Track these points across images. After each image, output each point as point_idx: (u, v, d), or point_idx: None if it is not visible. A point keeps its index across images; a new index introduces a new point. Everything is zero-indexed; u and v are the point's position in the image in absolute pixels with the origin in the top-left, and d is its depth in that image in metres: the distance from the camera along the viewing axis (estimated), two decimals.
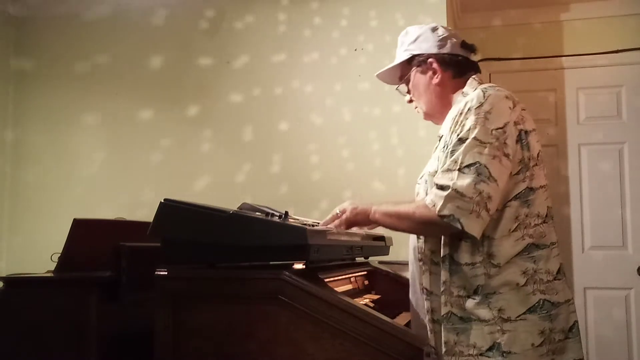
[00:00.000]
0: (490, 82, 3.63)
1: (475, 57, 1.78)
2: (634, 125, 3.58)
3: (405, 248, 1.91)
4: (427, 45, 1.74)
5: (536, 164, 1.55)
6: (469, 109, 1.53)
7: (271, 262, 1.63)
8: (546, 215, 1.55)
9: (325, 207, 2.96)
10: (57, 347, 1.78)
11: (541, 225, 1.53)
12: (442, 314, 1.55)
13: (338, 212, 1.70)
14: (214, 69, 3.32)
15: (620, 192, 3.56)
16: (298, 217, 1.91)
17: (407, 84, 1.80)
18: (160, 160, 3.32)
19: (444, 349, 1.54)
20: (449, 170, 1.49)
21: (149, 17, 3.42)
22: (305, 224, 1.60)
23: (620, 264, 3.51)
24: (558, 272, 1.54)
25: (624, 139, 3.59)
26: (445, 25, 2.99)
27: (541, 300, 1.49)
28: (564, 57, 3.69)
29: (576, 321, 1.55)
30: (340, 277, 1.93)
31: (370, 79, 3.00)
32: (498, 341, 1.47)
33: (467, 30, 3.75)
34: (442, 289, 1.56)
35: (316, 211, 2.92)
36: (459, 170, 1.47)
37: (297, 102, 3.19)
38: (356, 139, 3.10)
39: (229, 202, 1.91)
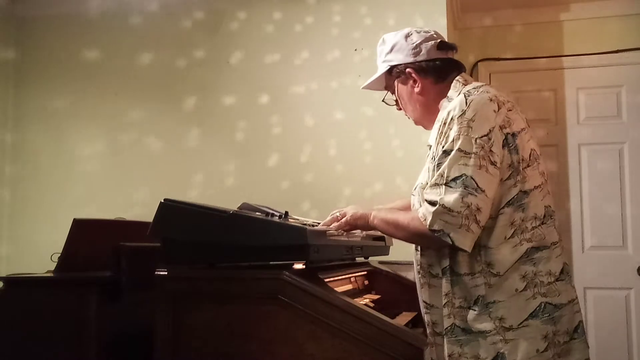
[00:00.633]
0: (490, 82, 3.68)
1: (455, 53, 1.73)
2: (634, 125, 3.58)
3: (405, 248, 1.91)
4: (403, 55, 1.69)
5: (528, 166, 1.51)
6: (451, 119, 1.50)
7: (271, 262, 1.63)
8: (544, 216, 1.52)
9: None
10: (57, 347, 1.78)
11: (540, 227, 1.51)
12: (446, 326, 1.53)
13: (338, 215, 1.71)
14: (212, 67, 3.32)
15: (620, 192, 3.56)
16: (298, 217, 1.91)
17: (393, 94, 1.78)
18: (161, 160, 3.32)
19: None
20: (436, 184, 1.47)
21: (150, 17, 3.42)
22: (305, 224, 1.61)
23: (620, 264, 3.51)
24: (561, 272, 1.51)
25: (624, 139, 3.59)
26: (445, 25, 3.03)
27: (542, 304, 1.47)
28: (564, 57, 3.69)
29: (581, 321, 1.53)
30: (340, 277, 1.93)
31: None
32: (501, 351, 1.46)
33: (467, 31, 3.76)
34: (444, 301, 1.54)
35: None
36: (446, 184, 1.45)
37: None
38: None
39: (232, 201, 1.91)
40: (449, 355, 1.52)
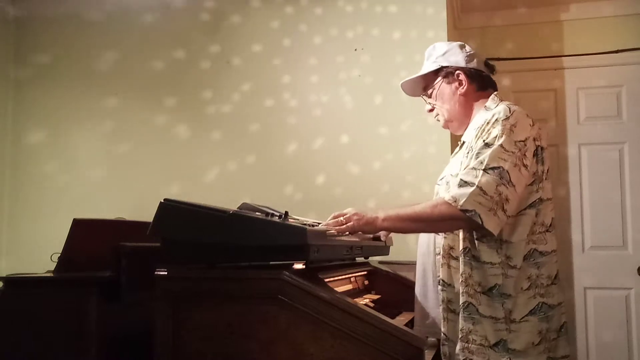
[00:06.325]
0: None
1: (494, 76, 1.94)
2: (634, 125, 3.58)
3: (405, 248, 1.92)
4: (456, 59, 1.89)
5: (546, 178, 1.70)
6: (496, 120, 1.68)
7: (271, 262, 1.63)
8: (550, 225, 1.70)
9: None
10: (57, 347, 1.78)
11: (544, 233, 1.68)
12: (461, 302, 1.67)
13: (342, 219, 1.71)
14: (213, 66, 3.32)
15: (620, 192, 3.56)
16: (298, 217, 1.91)
17: (431, 93, 1.94)
18: (161, 160, 3.32)
19: (460, 335, 1.66)
20: (474, 168, 1.61)
21: (149, 17, 3.42)
22: (305, 224, 1.60)
23: (620, 264, 3.51)
24: (555, 277, 1.69)
25: (624, 139, 3.59)
26: (445, 25, 3.03)
27: (540, 303, 1.64)
28: (564, 57, 3.69)
29: (565, 322, 1.70)
30: (340, 277, 1.93)
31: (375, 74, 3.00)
32: (505, 338, 1.62)
33: (467, 30, 3.76)
34: (460, 280, 1.68)
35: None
36: (484, 170, 1.60)
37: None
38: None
39: (233, 202, 1.91)
40: (461, 330, 1.66)
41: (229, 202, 1.88)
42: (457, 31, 3.66)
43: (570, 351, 1.70)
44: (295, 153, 3.17)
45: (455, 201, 1.58)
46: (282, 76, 3.23)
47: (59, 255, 1.98)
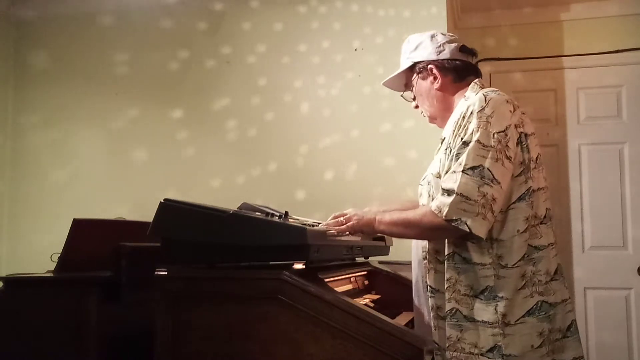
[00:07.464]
0: (490, 82, 3.68)
1: (475, 60, 1.82)
2: (634, 125, 3.58)
3: (405, 248, 1.92)
4: (427, 53, 1.79)
5: (535, 167, 1.59)
6: (471, 113, 1.58)
7: (271, 262, 1.63)
8: (544, 217, 1.59)
9: None
10: (56, 347, 1.78)
11: (538, 226, 1.57)
12: (447, 310, 1.57)
13: (342, 219, 1.71)
14: (213, 67, 3.32)
15: (621, 192, 3.56)
16: (298, 217, 1.91)
17: (412, 90, 1.85)
18: (161, 160, 3.32)
19: (447, 344, 1.57)
20: (453, 172, 1.53)
21: (149, 17, 3.42)
22: (305, 224, 1.60)
23: (620, 264, 3.51)
24: (555, 272, 1.58)
25: (624, 139, 3.59)
26: (446, 25, 3.03)
27: (539, 302, 1.53)
28: (564, 57, 3.69)
29: (574, 320, 1.59)
30: (340, 277, 1.93)
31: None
32: (499, 344, 1.51)
33: (467, 30, 3.76)
34: (446, 285, 1.58)
35: None
36: (463, 171, 1.51)
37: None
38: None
39: (233, 203, 1.91)
40: (448, 338, 1.57)
41: (233, 203, 1.88)
42: (457, 31, 3.65)
43: (581, 352, 1.58)
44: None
45: (439, 211, 1.51)
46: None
47: (59, 255, 1.98)
